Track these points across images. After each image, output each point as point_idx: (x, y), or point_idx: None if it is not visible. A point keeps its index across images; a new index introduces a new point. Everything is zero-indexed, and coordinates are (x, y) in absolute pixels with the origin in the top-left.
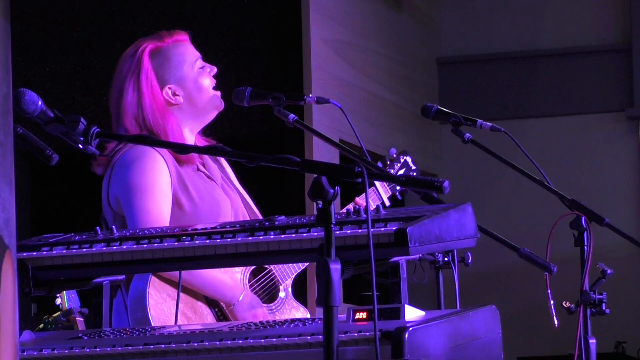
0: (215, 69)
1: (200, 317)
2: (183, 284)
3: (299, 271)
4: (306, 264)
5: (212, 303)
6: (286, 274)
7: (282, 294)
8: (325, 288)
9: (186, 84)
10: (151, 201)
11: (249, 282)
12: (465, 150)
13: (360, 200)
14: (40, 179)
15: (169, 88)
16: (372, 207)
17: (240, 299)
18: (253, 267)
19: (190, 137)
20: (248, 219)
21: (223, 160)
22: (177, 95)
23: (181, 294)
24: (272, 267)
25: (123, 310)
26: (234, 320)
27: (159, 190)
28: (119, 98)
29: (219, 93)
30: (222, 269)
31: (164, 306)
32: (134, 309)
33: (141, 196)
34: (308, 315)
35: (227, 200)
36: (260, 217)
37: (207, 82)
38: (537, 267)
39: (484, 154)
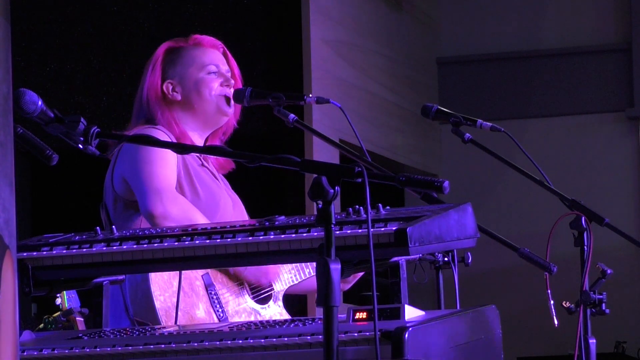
0: (232, 83)
1: (197, 295)
2: None
3: (293, 283)
4: (301, 279)
5: (209, 284)
6: (282, 282)
7: (273, 300)
8: (325, 288)
9: (186, 83)
10: (161, 170)
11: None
12: (465, 150)
13: None
14: (40, 179)
15: (170, 83)
16: None
17: None
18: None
19: (196, 138)
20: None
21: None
22: (176, 92)
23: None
24: None
25: (117, 298)
26: (230, 298)
27: (168, 162)
28: (137, 92)
29: (224, 100)
30: None
31: (167, 279)
32: (135, 276)
33: (150, 165)
34: None
35: (229, 199)
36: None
37: (214, 86)
38: (537, 267)
39: (484, 154)
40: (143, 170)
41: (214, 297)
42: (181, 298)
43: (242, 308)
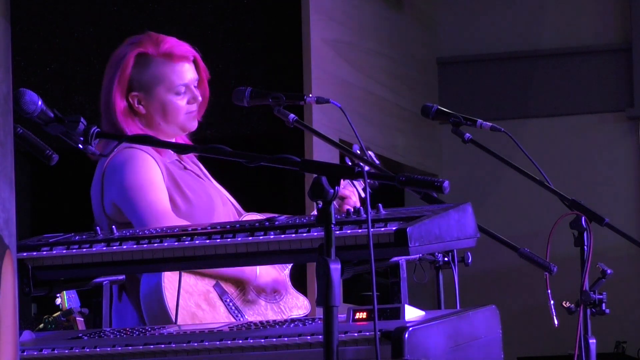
0: (199, 100)
1: (213, 307)
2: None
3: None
4: None
5: (222, 293)
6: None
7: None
8: (325, 288)
9: (152, 102)
10: (152, 195)
11: None
12: (465, 150)
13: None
14: (40, 179)
15: (136, 95)
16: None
17: (258, 273)
18: None
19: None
20: (237, 213)
21: (195, 159)
22: (141, 105)
23: (194, 286)
24: None
25: (124, 313)
26: (250, 299)
27: (156, 185)
28: (102, 91)
29: (190, 118)
30: None
31: (180, 299)
32: (149, 303)
33: (141, 192)
34: (308, 304)
35: (219, 196)
36: (242, 211)
37: (182, 106)
38: (537, 267)
39: (484, 154)
40: (135, 198)
41: (230, 304)
42: (201, 316)
43: (258, 307)
